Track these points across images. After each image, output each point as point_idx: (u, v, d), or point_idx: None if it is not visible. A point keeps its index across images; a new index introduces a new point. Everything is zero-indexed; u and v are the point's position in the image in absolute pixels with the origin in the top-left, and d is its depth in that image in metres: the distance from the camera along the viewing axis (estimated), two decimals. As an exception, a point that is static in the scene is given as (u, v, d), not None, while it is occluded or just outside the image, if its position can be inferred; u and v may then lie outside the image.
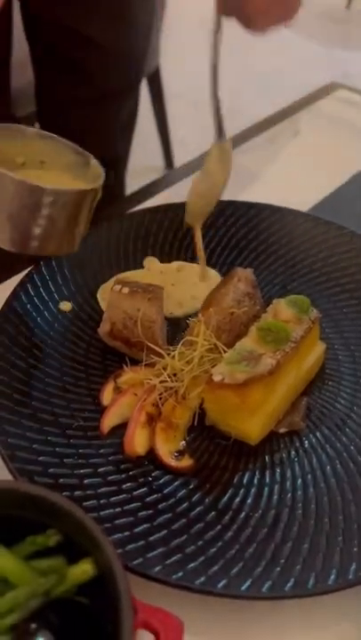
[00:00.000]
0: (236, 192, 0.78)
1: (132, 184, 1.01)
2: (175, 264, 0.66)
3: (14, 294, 0.60)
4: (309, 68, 2.40)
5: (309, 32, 2.94)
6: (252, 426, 0.50)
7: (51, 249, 0.54)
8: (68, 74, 0.89)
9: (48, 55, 0.91)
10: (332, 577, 0.42)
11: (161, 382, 0.52)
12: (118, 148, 1.03)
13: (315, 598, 0.43)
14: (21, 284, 0.61)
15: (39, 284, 0.62)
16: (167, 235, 0.68)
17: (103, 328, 0.57)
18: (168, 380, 0.52)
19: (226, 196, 0.73)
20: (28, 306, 0.60)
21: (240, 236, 0.69)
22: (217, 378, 0.49)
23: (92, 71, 0.89)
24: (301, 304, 0.54)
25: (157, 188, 0.80)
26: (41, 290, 0.61)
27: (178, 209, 0.70)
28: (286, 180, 0.82)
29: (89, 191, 0.54)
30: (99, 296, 0.62)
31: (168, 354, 0.54)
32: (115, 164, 1.03)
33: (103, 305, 0.61)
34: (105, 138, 0.98)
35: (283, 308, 0.54)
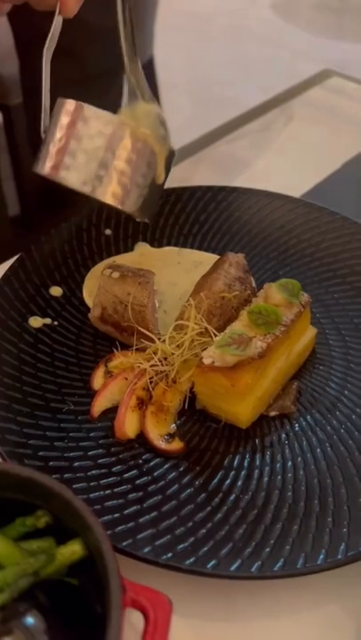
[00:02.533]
0: (230, 178, 0.78)
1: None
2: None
3: (5, 278, 0.59)
4: (304, 57, 2.39)
5: (304, 22, 2.93)
6: (242, 409, 0.50)
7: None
8: (54, 55, 0.89)
9: (34, 38, 0.90)
10: (321, 557, 0.42)
11: (151, 366, 0.52)
12: None
13: (304, 580, 0.43)
14: (12, 268, 0.61)
15: (30, 269, 0.61)
16: (158, 220, 0.68)
17: (94, 313, 0.57)
18: (159, 363, 0.52)
19: (219, 182, 0.73)
20: (20, 291, 0.59)
21: (232, 220, 0.69)
22: (207, 361, 0.49)
23: (78, 52, 0.88)
24: (292, 288, 0.54)
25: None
26: (32, 275, 0.61)
27: (170, 194, 0.70)
28: (279, 166, 0.82)
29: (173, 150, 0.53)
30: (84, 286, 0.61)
31: (159, 338, 0.54)
32: None
33: (85, 293, 0.60)
34: None
35: (274, 292, 0.53)
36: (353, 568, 0.43)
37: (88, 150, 0.48)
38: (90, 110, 0.49)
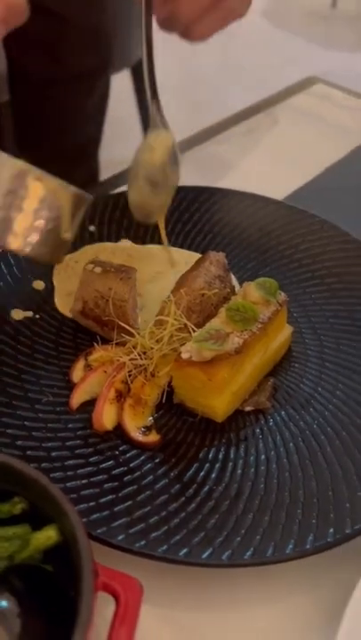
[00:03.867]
0: (214, 180, 0.79)
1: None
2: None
3: (-13, 271, 0.60)
4: (292, 64, 2.42)
5: (294, 29, 2.96)
6: (218, 403, 0.51)
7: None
8: (39, 54, 0.89)
9: (19, 36, 0.91)
10: (290, 547, 0.43)
11: (131, 360, 0.53)
12: (90, 129, 1.04)
13: (274, 571, 0.45)
14: (-5, 262, 0.61)
15: (12, 262, 0.62)
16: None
17: (75, 307, 0.58)
18: (138, 357, 0.53)
19: (203, 183, 0.74)
20: (1, 283, 0.60)
21: (214, 221, 0.70)
22: (185, 355, 0.50)
23: (63, 52, 0.89)
24: (270, 287, 0.55)
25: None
26: (14, 268, 0.62)
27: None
28: (263, 169, 0.83)
29: (84, 197, 0.49)
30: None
31: (139, 333, 0.55)
32: (88, 145, 1.04)
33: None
34: (78, 119, 0.98)
35: (252, 291, 0.55)
36: (323, 559, 0.45)
37: None
38: None
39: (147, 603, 0.38)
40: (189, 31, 0.59)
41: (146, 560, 0.43)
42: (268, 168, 0.83)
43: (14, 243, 0.45)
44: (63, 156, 0.93)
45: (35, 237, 0.46)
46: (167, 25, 0.59)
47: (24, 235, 0.45)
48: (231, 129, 0.91)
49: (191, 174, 0.81)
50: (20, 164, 0.45)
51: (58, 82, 0.92)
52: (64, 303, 0.61)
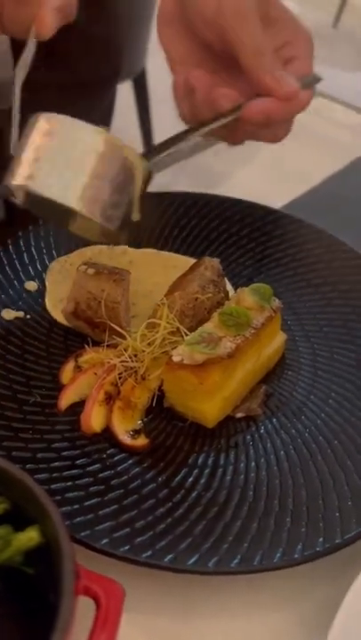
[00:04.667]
0: (210, 188, 0.79)
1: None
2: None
3: (-20, 270, 0.60)
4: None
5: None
6: (209, 408, 0.50)
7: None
8: (50, 61, 0.90)
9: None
10: (278, 555, 0.42)
11: (121, 362, 0.52)
12: None
13: (260, 579, 0.43)
14: (-12, 261, 0.61)
15: (5, 262, 0.62)
16: (138, 222, 0.68)
17: (67, 308, 0.57)
18: (129, 360, 0.53)
19: (199, 191, 0.74)
20: (-7, 283, 0.60)
21: (210, 227, 0.70)
22: (176, 358, 0.49)
23: (73, 59, 0.89)
24: (264, 292, 0.54)
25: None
26: (7, 268, 0.61)
27: (150, 198, 0.71)
28: (260, 179, 0.83)
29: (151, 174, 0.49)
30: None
31: (130, 336, 0.54)
32: None
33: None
34: None
35: (246, 296, 0.54)
36: (311, 569, 0.44)
37: (62, 160, 0.46)
38: (66, 120, 0.47)
39: (129, 610, 0.37)
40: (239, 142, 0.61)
41: (130, 566, 0.42)
42: (265, 178, 0.83)
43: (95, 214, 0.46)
44: None
45: (107, 208, 0.46)
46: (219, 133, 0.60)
47: (97, 203, 0.46)
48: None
49: (189, 182, 0.81)
50: (92, 129, 0.46)
51: (67, 89, 0.92)
52: (55, 306, 0.60)
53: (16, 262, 0.62)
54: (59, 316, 0.59)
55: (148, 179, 0.49)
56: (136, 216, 0.49)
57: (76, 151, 0.46)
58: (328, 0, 3.19)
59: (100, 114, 1.00)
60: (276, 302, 0.55)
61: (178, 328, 0.54)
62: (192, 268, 0.59)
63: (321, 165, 0.86)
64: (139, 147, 1.95)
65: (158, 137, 1.98)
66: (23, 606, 0.39)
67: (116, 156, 0.46)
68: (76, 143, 0.46)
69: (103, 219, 0.46)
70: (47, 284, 0.62)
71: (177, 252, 0.67)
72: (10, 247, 0.63)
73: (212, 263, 0.60)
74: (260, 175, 0.84)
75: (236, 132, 0.60)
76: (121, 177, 0.47)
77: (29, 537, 0.39)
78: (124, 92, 1.79)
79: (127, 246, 0.67)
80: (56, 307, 0.60)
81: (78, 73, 0.91)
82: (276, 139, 0.62)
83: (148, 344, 0.53)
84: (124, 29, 0.96)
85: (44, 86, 0.93)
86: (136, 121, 1.95)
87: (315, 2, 3.34)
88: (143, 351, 0.53)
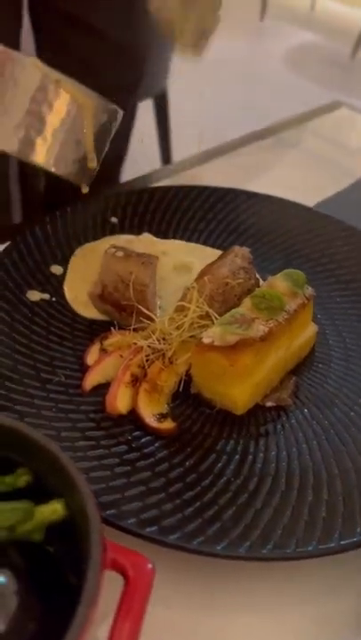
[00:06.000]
0: (242, 185, 0.78)
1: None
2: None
3: (7, 252, 0.59)
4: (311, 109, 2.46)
5: (313, 76, 3.04)
6: (239, 392, 0.48)
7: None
8: (75, 67, 0.91)
9: (51, 43, 0.92)
10: (314, 543, 0.40)
11: (149, 344, 0.51)
12: (116, 147, 1.03)
13: (291, 570, 0.41)
14: (14, 243, 0.60)
15: (33, 245, 0.61)
16: (165, 213, 0.68)
17: (94, 291, 0.56)
18: (156, 342, 0.51)
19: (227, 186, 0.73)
20: (20, 265, 0.58)
21: (240, 222, 0.69)
22: (207, 340, 0.48)
23: (97, 65, 0.90)
24: (297, 278, 0.53)
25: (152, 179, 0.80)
26: (34, 251, 0.60)
27: (177, 192, 0.70)
28: (292, 178, 0.82)
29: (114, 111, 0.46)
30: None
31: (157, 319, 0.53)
32: (112, 164, 1.03)
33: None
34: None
35: (278, 282, 0.53)
36: (345, 564, 0.41)
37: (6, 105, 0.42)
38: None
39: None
40: None
41: (153, 552, 0.39)
42: (297, 178, 0.83)
43: (38, 157, 0.43)
44: None
45: (57, 152, 0.43)
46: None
47: (48, 149, 0.43)
48: (257, 142, 0.91)
49: (222, 178, 0.80)
50: (43, 68, 0.42)
51: None
52: (72, 290, 0.58)
53: (43, 245, 0.61)
54: (78, 309, 0.57)
55: (110, 119, 0.46)
56: (92, 163, 0.45)
57: (13, 90, 0.42)
58: (346, 31, 3.25)
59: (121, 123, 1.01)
60: (309, 290, 0.54)
61: (207, 312, 0.52)
62: (222, 256, 0.58)
63: (351, 168, 0.86)
64: (157, 164, 1.96)
65: (176, 157, 2.00)
66: (43, 584, 0.37)
67: (56, 94, 0.43)
68: (16, 82, 0.42)
69: (44, 161, 0.44)
70: (69, 269, 0.60)
71: (204, 244, 0.66)
72: (37, 230, 0.62)
73: (242, 251, 0.58)
74: (291, 175, 0.83)
75: None
76: (63, 116, 0.43)
77: (53, 509, 0.36)
78: (145, 113, 1.80)
79: (153, 236, 0.66)
80: (76, 299, 0.58)
81: (102, 79, 0.92)
82: None
83: (177, 327, 0.52)
84: (150, 37, 0.97)
85: None
86: (156, 139, 1.97)
87: (333, 33, 3.41)
88: (171, 334, 0.51)
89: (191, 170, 0.82)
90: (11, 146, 0.44)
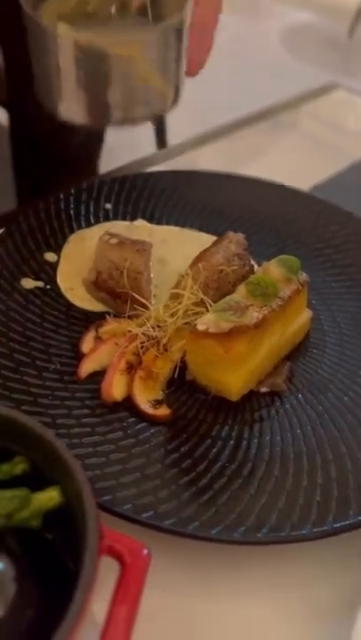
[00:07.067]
0: (237, 169, 0.78)
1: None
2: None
3: (0, 240, 0.58)
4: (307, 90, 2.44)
5: (310, 57, 3.01)
6: (234, 379, 0.49)
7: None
8: None
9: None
10: (309, 526, 0.40)
11: (143, 332, 0.51)
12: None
13: (286, 553, 0.42)
14: (8, 230, 0.60)
15: (26, 232, 0.60)
16: (159, 199, 0.67)
17: (89, 277, 0.56)
18: (151, 329, 0.51)
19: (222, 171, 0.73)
20: (13, 252, 0.58)
21: (235, 207, 0.68)
22: (201, 327, 0.48)
23: None
24: (291, 264, 0.53)
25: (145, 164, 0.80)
26: (27, 238, 0.60)
27: (172, 177, 0.70)
28: (286, 162, 0.82)
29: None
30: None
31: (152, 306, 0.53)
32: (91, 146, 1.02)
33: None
34: None
35: (272, 268, 0.53)
36: (338, 548, 0.42)
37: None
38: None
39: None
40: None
41: (150, 537, 0.40)
42: (293, 161, 0.82)
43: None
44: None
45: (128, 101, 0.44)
46: None
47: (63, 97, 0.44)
48: (253, 126, 0.90)
49: (217, 162, 0.80)
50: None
51: None
52: (66, 277, 0.58)
53: (37, 233, 0.61)
54: (73, 300, 0.57)
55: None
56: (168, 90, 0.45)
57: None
58: (343, 10, 3.20)
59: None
60: (304, 276, 0.54)
61: (201, 299, 0.52)
62: (216, 242, 0.58)
63: (347, 150, 0.85)
64: (152, 146, 1.94)
65: (172, 139, 1.98)
66: (41, 570, 0.37)
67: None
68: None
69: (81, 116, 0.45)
70: (62, 256, 0.60)
71: (199, 229, 0.66)
72: (31, 216, 0.61)
73: (236, 237, 0.58)
74: (285, 158, 0.83)
75: None
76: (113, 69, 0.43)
77: (50, 496, 0.37)
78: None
79: (148, 222, 0.65)
80: (70, 290, 0.57)
81: None
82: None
83: (172, 314, 0.52)
84: None
85: None
86: (150, 126, 1.95)
87: (330, 12, 3.36)
88: (166, 321, 0.51)
89: (186, 154, 0.82)
90: (83, 117, 0.45)
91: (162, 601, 0.39)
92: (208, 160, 0.80)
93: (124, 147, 1.08)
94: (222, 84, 2.56)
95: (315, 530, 0.40)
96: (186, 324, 0.51)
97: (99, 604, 0.32)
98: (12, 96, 0.99)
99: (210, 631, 0.39)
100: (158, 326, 0.52)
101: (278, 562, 0.42)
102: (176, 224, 0.66)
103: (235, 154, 0.82)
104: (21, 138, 1.03)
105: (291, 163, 0.82)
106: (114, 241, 0.55)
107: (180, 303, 0.52)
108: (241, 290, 0.51)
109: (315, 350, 0.56)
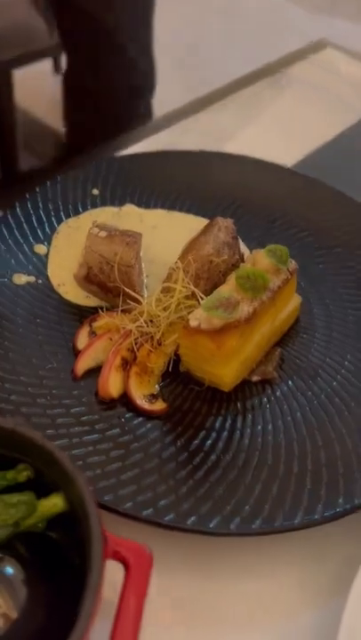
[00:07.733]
0: (216, 147, 0.77)
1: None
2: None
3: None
4: (297, 32, 2.35)
5: (299, 10, 2.87)
6: (226, 372, 0.50)
7: None
8: None
9: None
10: (299, 515, 0.43)
11: (137, 327, 0.52)
12: None
13: (282, 541, 0.44)
14: (-5, 224, 0.59)
15: (13, 225, 0.60)
16: (146, 182, 0.67)
17: (79, 272, 0.56)
18: (144, 325, 0.52)
19: (207, 149, 0.72)
20: (2, 247, 0.58)
21: (220, 187, 0.68)
22: (193, 323, 0.49)
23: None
24: (281, 254, 0.53)
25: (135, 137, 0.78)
26: (15, 232, 0.60)
27: (158, 157, 0.69)
28: (266, 136, 0.81)
29: None
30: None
31: (144, 299, 0.53)
32: None
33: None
34: None
35: (261, 258, 0.53)
36: (331, 531, 0.44)
37: None
38: None
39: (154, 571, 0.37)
40: None
41: (152, 530, 0.42)
42: (273, 135, 0.81)
43: None
44: None
45: None
46: None
47: None
48: (235, 94, 0.88)
49: (194, 140, 0.79)
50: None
51: None
52: (57, 273, 0.58)
53: (24, 225, 0.60)
54: (63, 294, 0.57)
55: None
56: None
57: None
58: None
59: None
60: (292, 264, 0.54)
61: (193, 292, 0.53)
62: (205, 230, 0.58)
63: (329, 122, 0.84)
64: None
65: (157, 88, 1.92)
66: (49, 571, 0.40)
67: None
68: None
69: None
70: (51, 250, 0.60)
71: (187, 212, 0.66)
72: (17, 209, 0.61)
73: (225, 224, 0.58)
74: (266, 133, 0.82)
75: None
76: None
77: (53, 503, 0.39)
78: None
79: (135, 206, 0.65)
80: (57, 272, 0.58)
81: None
82: None
83: (164, 309, 0.53)
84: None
85: None
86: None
87: None
88: (159, 316, 0.52)
89: (170, 128, 0.80)
90: None
91: (166, 587, 0.42)
92: (191, 136, 0.79)
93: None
94: (209, 28, 2.46)
95: (305, 519, 0.43)
96: (179, 317, 0.52)
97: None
98: None
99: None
100: (151, 321, 0.52)
101: (274, 545, 0.45)
102: (163, 207, 0.66)
103: (214, 129, 0.80)
104: None
105: (274, 136, 0.80)
106: (103, 234, 0.55)
107: (171, 297, 0.53)
108: (231, 282, 0.52)
109: (304, 335, 0.57)
